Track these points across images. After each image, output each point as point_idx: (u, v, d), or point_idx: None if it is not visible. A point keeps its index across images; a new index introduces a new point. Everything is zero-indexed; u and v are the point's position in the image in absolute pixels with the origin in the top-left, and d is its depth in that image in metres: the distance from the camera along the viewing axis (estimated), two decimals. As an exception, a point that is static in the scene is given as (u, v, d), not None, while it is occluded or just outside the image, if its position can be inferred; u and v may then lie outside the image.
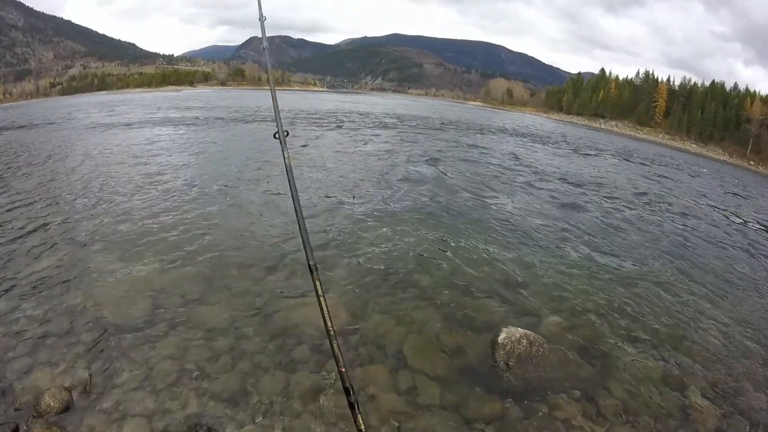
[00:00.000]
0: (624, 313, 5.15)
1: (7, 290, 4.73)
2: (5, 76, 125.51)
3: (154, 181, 9.32)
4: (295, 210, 2.02)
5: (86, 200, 7.88)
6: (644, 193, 13.14)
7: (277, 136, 2.18)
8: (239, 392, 3.42)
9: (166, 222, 6.77)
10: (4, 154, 12.94)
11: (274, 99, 2.35)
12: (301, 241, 1.94)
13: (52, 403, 3.14)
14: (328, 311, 1.84)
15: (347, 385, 1.74)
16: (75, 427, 3.02)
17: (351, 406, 1.73)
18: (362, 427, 1.72)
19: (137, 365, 3.62)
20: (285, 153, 2.14)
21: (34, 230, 6.43)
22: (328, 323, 1.83)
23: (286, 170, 2.10)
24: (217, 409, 3.25)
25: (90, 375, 3.50)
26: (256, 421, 3.18)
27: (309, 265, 1.93)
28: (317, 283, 1.91)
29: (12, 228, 6.47)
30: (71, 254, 5.61)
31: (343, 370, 1.75)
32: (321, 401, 3.39)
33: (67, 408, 3.17)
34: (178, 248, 5.82)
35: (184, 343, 3.94)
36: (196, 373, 3.57)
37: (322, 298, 1.88)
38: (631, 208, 10.70)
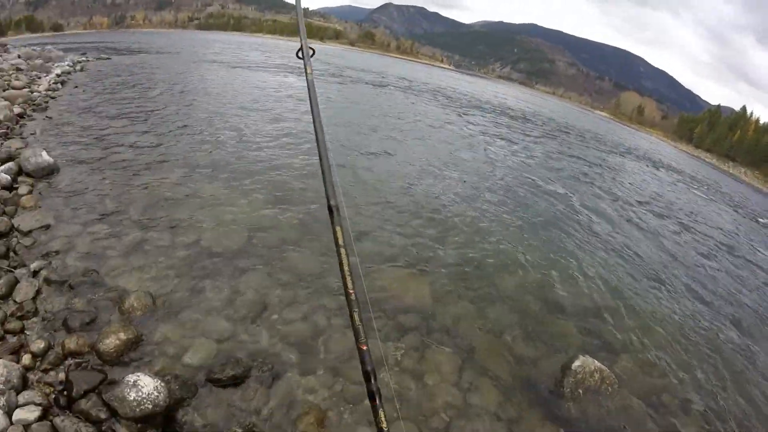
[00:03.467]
0: (705, 373, 4.52)
1: (119, 195, 5.18)
2: (147, 3, 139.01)
3: (277, 126, 9.81)
4: (317, 141, 1.74)
5: (210, 131, 8.59)
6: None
7: (300, 55, 1.99)
8: (310, 343, 3.48)
9: (279, 165, 7.10)
10: (147, 77, 14.46)
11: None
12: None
13: (135, 305, 3.39)
14: (351, 276, 1.46)
15: (368, 368, 1.35)
16: (150, 332, 3.22)
17: (371, 396, 1.33)
18: (384, 425, 1.30)
19: (221, 291, 3.84)
20: (307, 69, 1.97)
21: (156, 146, 7.13)
22: (349, 285, 1.45)
23: (308, 87, 1.91)
24: (285, 352, 3.34)
25: (176, 288, 3.76)
26: (318, 373, 3.22)
27: (329, 205, 1.59)
28: (337, 229, 1.54)
29: (137, 143, 7.16)
30: (185, 176, 6.12)
31: (365, 348, 1.37)
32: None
33: (147, 313, 3.39)
34: (285, 192, 6.11)
35: (270, 282, 4.09)
36: (275, 316, 3.69)
37: (342, 249, 1.49)
38: (744, 267, 9.24)
